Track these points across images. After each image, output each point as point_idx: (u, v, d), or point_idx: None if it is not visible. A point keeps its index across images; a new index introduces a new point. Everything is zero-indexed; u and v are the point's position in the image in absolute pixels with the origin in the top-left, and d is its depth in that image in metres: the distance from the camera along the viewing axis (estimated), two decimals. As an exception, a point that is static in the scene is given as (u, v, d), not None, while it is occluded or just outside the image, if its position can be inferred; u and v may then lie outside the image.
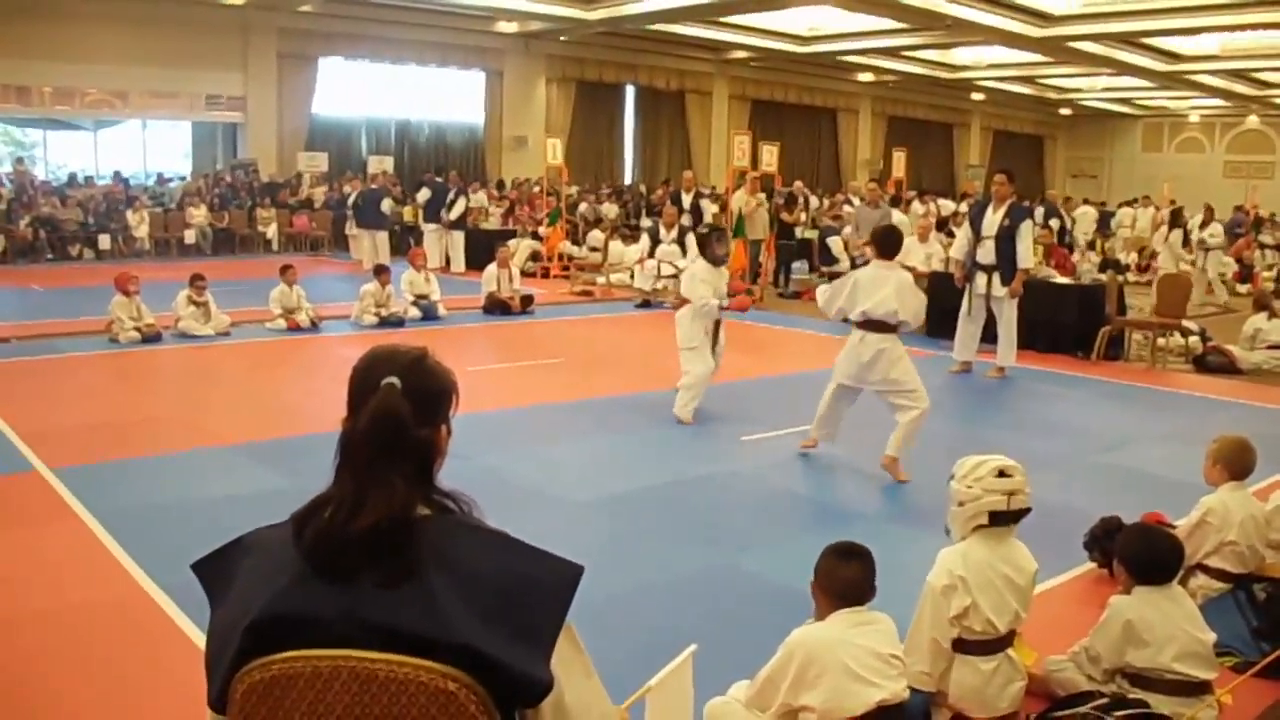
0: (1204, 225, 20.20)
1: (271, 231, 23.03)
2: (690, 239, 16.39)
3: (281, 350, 12.07)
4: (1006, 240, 11.17)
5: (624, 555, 5.88)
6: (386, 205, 20.02)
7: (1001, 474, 4.11)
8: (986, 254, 11.31)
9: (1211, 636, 4.17)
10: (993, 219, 11.27)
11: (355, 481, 1.74)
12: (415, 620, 1.64)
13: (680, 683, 2.88)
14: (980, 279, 11.37)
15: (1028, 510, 4.14)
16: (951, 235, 19.76)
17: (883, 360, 7.35)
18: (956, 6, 21.35)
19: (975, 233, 11.43)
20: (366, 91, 27.10)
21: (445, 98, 28.55)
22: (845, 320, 7.65)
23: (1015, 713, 4.10)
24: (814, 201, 23.38)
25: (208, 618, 1.82)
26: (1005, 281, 11.25)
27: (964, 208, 25.34)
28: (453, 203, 19.92)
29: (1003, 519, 4.09)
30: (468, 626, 1.64)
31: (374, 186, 20.80)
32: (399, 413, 1.77)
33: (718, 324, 9.05)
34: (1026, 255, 11.30)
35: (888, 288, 7.29)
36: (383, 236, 19.60)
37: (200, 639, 4.37)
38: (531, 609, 1.70)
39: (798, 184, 22.12)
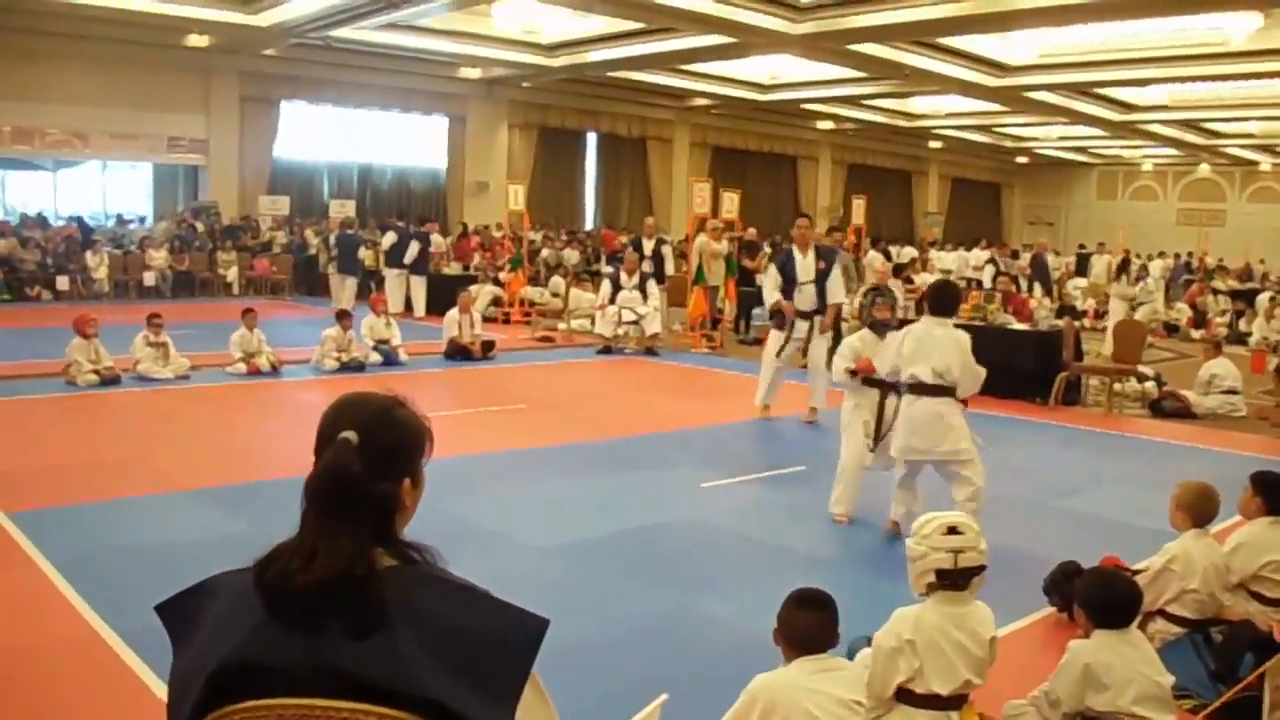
0: (1136, 280, 20.67)
1: (232, 275, 22.97)
2: (652, 285, 16.53)
3: (241, 394, 11.99)
4: (822, 282, 11.12)
5: (587, 602, 5.87)
6: (361, 251, 20.03)
7: (952, 531, 4.10)
8: (807, 300, 11.13)
9: (1170, 679, 4.20)
10: (806, 263, 11.11)
11: (309, 533, 1.74)
12: (381, 672, 1.63)
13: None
14: (801, 325, 11.19)
15: (981, 568, 4.13)
16: (909, 282, 19.99)
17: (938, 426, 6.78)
18: (914, 56, 21.63)
19: (788, 280, 11.15)
20: (329, 135, 27.15)
21: (408, 142, 28.64)
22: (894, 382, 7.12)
23: None
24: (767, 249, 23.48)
25: (168, 663, 1.80)
26: (822, 328, 11.23)
27: (937, 254, 25.73)
28: (406, 247, 19.92)
29: (950, 577, 4.08)
30: (434, 679, 1.63)
31: (349, 232, 20.77)
32: (349, 470, 1.76)
33: (882, 402, 7.63)
34: (839, 291, 11.36)
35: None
36: (352, 282, 19.55)
37: (160, 685, 4.34)
38: (497, 662, 1.70)
39: (750, 231, 22.21)
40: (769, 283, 11.46)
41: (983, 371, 6.82)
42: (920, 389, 6.75)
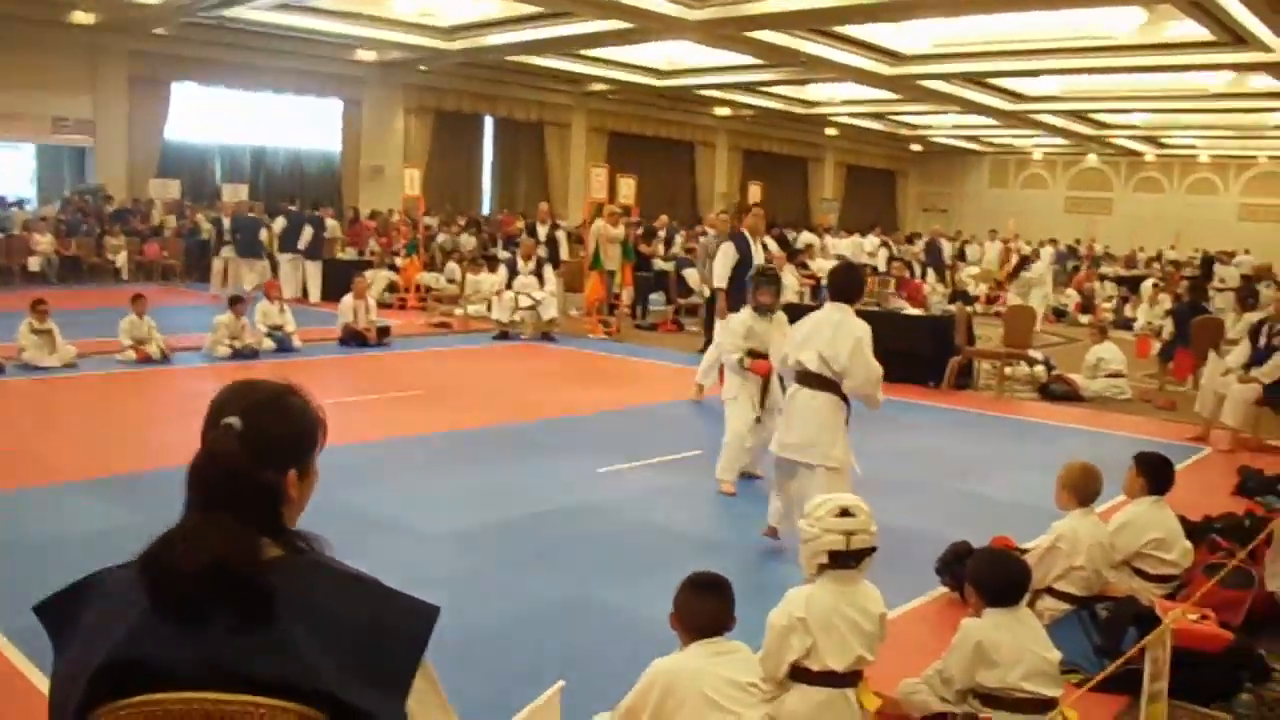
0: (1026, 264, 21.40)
1: (121, 260, 22.39)
2: (548, 270, 16.48)
3: (131, 383, 11.73)
4: None
5: (483, 589, 5.85)
6: (263, 234, 19.67)
7: (844, 513, 4.18)
8: None
9: (1057, 655, 4.30)
10: (758, 251, 11.37)
11: (191, 521, 1.71)
12: (271, 666, 1.61)
13: (548, 718, 2.87)
14: None
15: (872, 549, 4.21)
16: (804, 267, 20.16)
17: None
18: (811, 44, 21.79)
19: (745, 263, 11.08)
20: (221, 117, 26.61)
21: (302, 125, 28.20)
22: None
23: None
24: (678, 239, 23.35)
25: (52, 662, 1.76)
26: None
27: (831, 240, 25.97)
28: (298, 231, 19.64)
29: (844, 559, 4.15)
30: (325, 672, 1.61)
31: (251, 215, 20.39)
32: (230, 456, 1.73)
33: (767, 378, 7.91)
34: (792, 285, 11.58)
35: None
36: (261, 265, 19.23)
37: (43, 684, 4.23)
38: (388, 653, 1.68)
39: (662, 218, 22.19)
40: (723, 263, 11.43)
41: (878, 368, 6.18)
42: (804, 378, 6.32)
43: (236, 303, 13.63)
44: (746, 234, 11.56)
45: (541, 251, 16.79)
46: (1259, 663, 5.08)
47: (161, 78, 24.49)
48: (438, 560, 6.33)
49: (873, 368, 6.14)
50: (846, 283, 6.53)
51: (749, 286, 8.20)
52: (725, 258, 11.43)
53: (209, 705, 1.60)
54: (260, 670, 1.61)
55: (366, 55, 25.77)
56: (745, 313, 8.04)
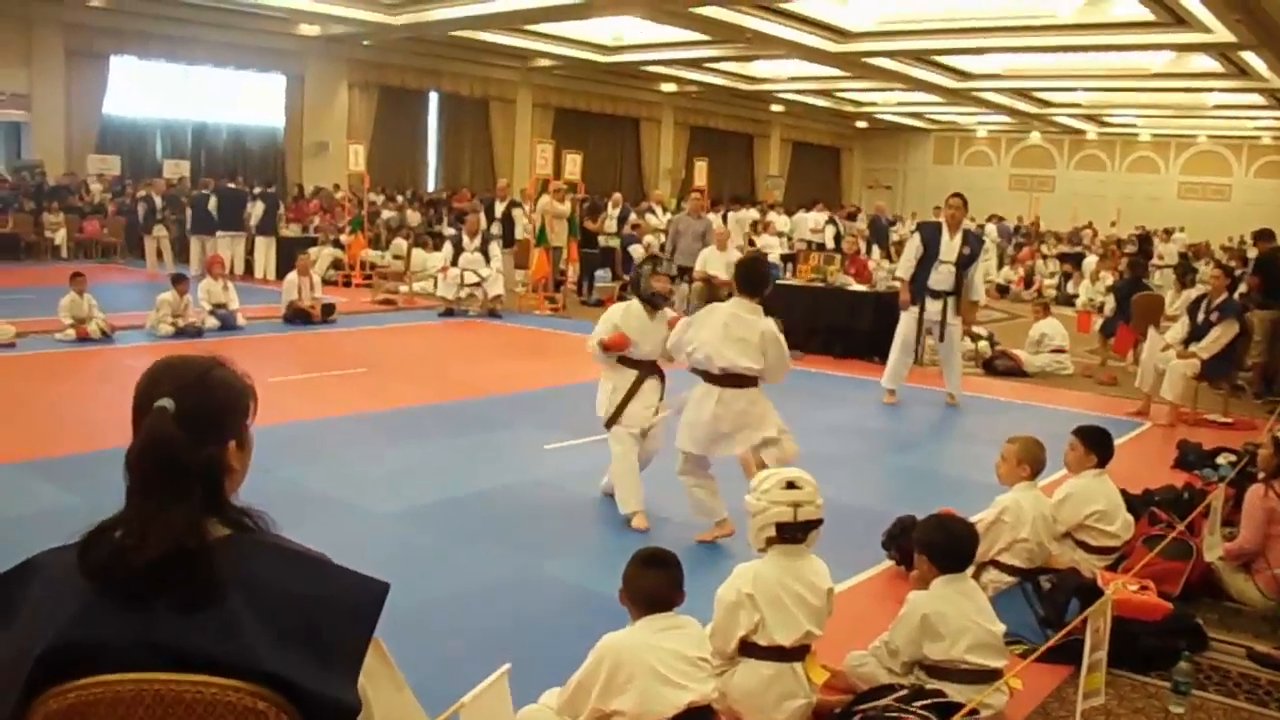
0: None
1: (60, 237, 22.01)
2: (494, 247, 16.43)
3: (72, 362, 11.56)
4: (964, 267, 10.91)
5: (431, 566, 5.84)
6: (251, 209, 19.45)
7: (790, 485, 4.22)
8: (944, 279, 10.87)
9: (1001, 627, 4.37)
10: (951, 244, 10.86)
11: (137, 508, 1.68)
12: (218, 648, 1.60)
13: (496, 699, 2.87)
14: (933, 306, 10.94)
15: (818, 521, 4.25)
16: (752, 244, 20.21)
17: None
18: (757, 20, 21.76)
19: (930, 255, 10.89)
20: (161, 92, 26.19)
21: (244, 100, 27.80)
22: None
23: None
24: (633, 216, 23.21)
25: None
26: (958, 309, 11.01)
27: (773, 216, 25.95)
28: (237, 208, 19.41)
29: (790, 531, 4.19)
30: (272, 653, 1.60)
31: (231, 186, 20.14)
32: (169, 439, 1.70)
33: (637, 385, 6.88)
34: (979, 288, 11.42)
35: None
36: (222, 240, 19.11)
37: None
38: (337, 632, 1.67)
39: (616, 196, 22.12)
40: (908, 253, 11.21)
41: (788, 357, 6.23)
42: (720, 378, 6.12)
43: (179, 281, 13.46)
44: (943, 224, 11.04)
45: (496, 229, 16.73)
46: (1197, 632, 5.17)
47: (99, 51, 24.03)
48: (386, 537, 6.31)
49: (787, 360, 6.21)
50: (756, 275, 6.31)
51: (641, 273, 7.20)
52: (911, 249, 11.13)
53: (159, 687, 1.59)
54: (211, 652, 1.60)
55: (309, 29, 25.46)
56: (633, 304, 6.97)
